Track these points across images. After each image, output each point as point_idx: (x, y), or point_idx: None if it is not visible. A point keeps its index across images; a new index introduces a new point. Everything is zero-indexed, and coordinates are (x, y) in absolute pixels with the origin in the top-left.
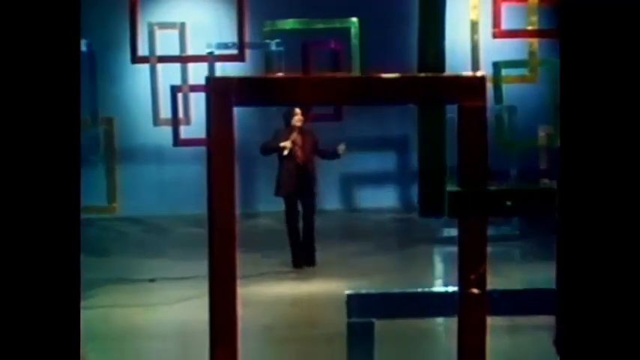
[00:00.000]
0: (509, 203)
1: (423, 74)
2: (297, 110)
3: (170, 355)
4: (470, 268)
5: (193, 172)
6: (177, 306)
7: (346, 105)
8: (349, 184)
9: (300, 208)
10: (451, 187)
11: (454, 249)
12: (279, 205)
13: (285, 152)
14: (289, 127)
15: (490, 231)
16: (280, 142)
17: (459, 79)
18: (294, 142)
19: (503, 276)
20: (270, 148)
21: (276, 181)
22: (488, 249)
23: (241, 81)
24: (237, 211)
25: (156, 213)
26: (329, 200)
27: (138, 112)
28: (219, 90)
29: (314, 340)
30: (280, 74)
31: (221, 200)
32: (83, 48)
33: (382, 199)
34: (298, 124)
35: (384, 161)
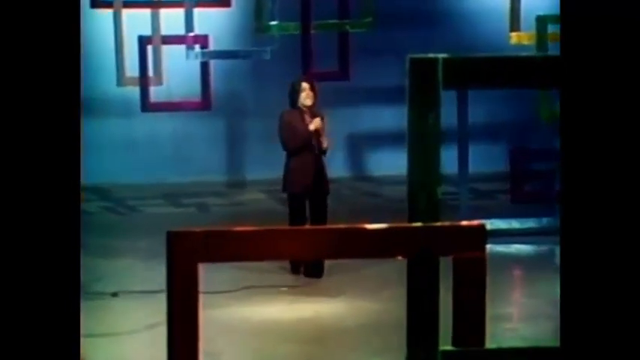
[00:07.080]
0: None
1: (414, 224)
2: (305, 85)
3: None
4: None
5: (168, 131)
6: (144, 336)
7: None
8: (358, 145)
9: (307, 210)
10: (445, 347)
11: (498, 248)
12: (271, 172)
13: (312, 127)
14: (298, 108)
15: (529, 223)
16: (303, 126)
17: (456, 229)
18: (317, 130)
19: (541, 295)
20: (302, 138)
21: (285, 176)
22: (528, 247)
23: (207, 235)
24: (223, 180)
25: (124, 181)
26: (334, 166)
27: (99, 68)
28: (182, 247)
29: None
30: None
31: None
32: None
33: (399, 164)
34: (308, 102)
35: (400, 118)
